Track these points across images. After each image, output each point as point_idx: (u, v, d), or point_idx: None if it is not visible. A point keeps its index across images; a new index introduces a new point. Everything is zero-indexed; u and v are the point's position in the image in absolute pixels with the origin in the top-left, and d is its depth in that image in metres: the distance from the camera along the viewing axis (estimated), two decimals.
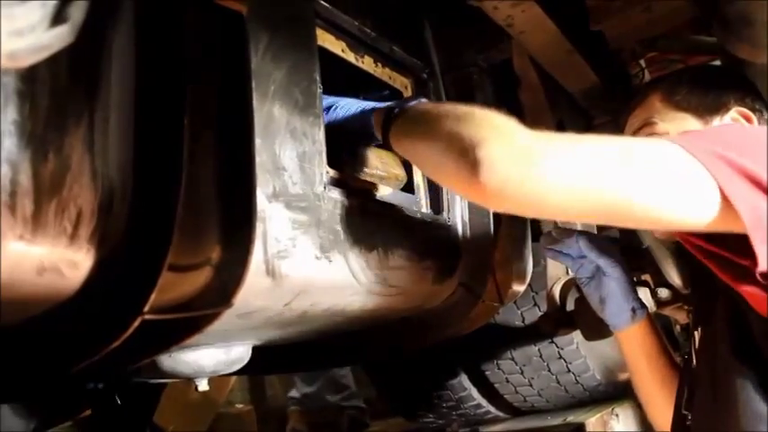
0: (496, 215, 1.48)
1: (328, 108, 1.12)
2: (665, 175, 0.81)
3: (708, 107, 1.12)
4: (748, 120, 1.10)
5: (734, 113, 1.10)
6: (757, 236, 0.78)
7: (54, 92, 0.65)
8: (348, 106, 1.13)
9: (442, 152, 0.85)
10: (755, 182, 0.79)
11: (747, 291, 0.84)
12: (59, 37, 0.51)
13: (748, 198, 0.79)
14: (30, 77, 0.62)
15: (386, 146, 1.06)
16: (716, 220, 0.80)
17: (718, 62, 1.94)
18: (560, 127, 1.76)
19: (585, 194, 0.79)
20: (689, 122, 1.12)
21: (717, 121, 1.10)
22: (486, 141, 0.79)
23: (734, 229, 0.80)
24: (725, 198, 0.79)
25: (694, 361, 1.06)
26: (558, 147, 0.82)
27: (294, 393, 2.93)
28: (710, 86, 1.15)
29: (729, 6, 1.32)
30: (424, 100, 1.12)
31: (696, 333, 1.06)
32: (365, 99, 1.19)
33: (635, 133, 1.18)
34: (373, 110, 1.09)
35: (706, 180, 0.80)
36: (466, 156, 0.80)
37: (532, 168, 0.78)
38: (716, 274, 0.89)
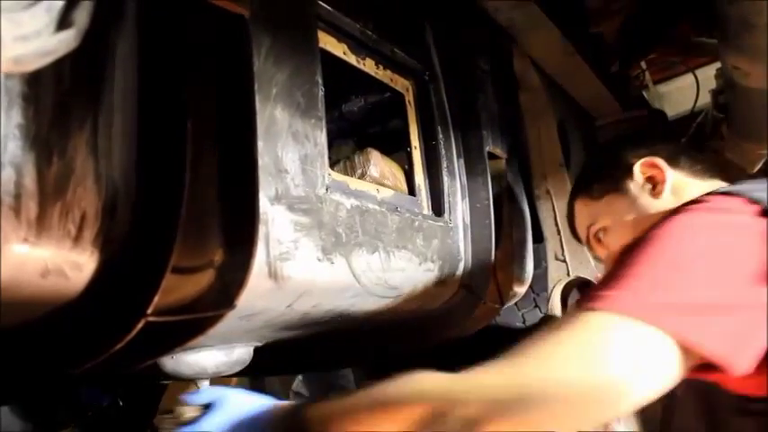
0: (497, 217, 1.48)
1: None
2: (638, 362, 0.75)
3: (618, 179, 1.17)
4: (654, 165, 1.13)
5: (638, 167, 1.15)
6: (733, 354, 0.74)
7: (58, 95, 0.66)
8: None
9: None
10: (707, 306, 0.76)
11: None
12: (65, 42, 0.52)
13: (710, 333, 0.75)
14: (34, 81, 0.63)
15: None
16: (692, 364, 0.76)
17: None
18: (561, 128, 1.77)
19: None
20: (616, 200, 1.17)
21: (631, 185, 1.15)
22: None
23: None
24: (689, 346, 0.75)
25: None
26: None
27: (296, 392, 2.93)
28: (609, 162, 1.22)
29: (730, 9, 1.33)
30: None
31: None
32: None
33: (588, 240, 1.24)
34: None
35: (666, 341, 0.75)
36: None
37: None
38: None
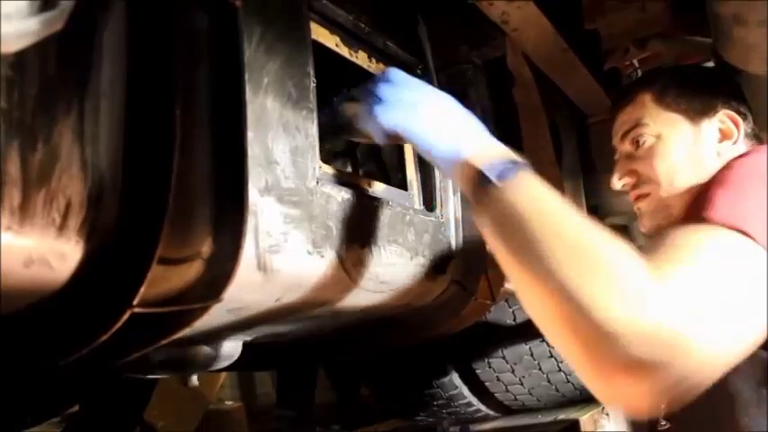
0: None
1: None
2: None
3: (697, 109, 1.14)
4: (735, 122, 1.13)
5: (721, 116, 1.13)
6: None
7: (43, 79, 0.64)
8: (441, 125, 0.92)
9: (552, 300, 0.70)
10: None
11: None
12: (48, 23, 0.51)
13: None
14: (18, 64, 0.61)
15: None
16: None
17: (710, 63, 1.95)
18: (553, 126, 1.77)
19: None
20: (679, 123, 1.14)
21: (705, 123, 1.13)
22: (617, 314, 0.65)
23: None
24: None
25: None
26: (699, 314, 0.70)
27: None
28: (700, 89, 1.18)
29: (721, 7, 1.33)
30: (524, 168, 0.84)
31: None
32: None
33: (626, 134, 1.19)
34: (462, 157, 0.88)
35: None
36: (586, 324, 0.66)
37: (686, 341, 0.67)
38: None
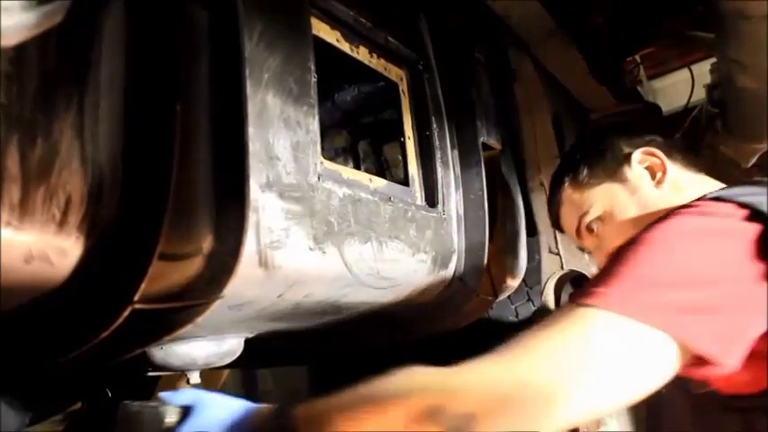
0: (492, 209, 1.47)
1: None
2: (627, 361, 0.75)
3: (612, 167, 1.16)
4: (652, 154, 1.13)
5: (638, 156, 1.14)
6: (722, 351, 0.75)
7: (43, 75, 0.64)
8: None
9: None
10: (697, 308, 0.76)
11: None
12: (47, 15, 0.50)
13: (701, 331, 0.75)
14: (18, 60, 0.61)
15: None
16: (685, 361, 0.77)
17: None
18: (557, 120, 1.76)
19: None
20: (609, 190, 1.16)
21: (628, 172, 1.14)
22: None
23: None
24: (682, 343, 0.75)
25: None
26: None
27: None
28: (601, 150, 1.19)
29: (726, 2, 1.32)
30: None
31: None
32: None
33: (578, 231, 1.21)
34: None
35: (658, 339, 0.75)
36: None
37: None
38: None
